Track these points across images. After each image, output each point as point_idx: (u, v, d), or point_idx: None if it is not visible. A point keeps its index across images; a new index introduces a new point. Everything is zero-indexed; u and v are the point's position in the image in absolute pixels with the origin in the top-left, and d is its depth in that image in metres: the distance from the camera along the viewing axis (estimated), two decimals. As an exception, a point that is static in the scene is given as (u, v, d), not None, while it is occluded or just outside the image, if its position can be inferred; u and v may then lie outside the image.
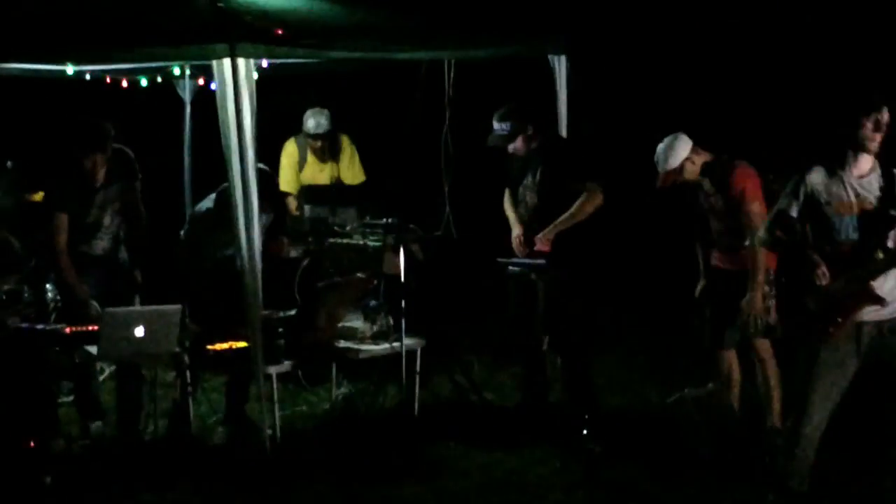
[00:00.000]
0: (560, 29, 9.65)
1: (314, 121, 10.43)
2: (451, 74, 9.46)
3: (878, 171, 6.64)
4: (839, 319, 6.57)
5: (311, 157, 10.63)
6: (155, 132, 11.29)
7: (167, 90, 11.20)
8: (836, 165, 6.65)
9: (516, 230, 8.84)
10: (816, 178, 6.67)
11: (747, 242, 7.90)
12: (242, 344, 8.06)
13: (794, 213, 6.69)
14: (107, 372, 9.32)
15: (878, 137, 6.55)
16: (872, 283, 6.56)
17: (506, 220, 8.97)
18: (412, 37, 8.95)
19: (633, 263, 12.64)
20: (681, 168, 8.08)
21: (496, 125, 8.75)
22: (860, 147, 6.58)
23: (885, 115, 6.54)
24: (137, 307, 8.40)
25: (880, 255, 6.57)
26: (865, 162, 6.62)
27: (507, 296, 9.02)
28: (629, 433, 8.40)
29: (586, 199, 8.62)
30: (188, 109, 11.28)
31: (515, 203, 8.90)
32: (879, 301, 6.56)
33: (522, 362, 9.17)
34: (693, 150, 8.10)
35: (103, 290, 8.34)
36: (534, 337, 8.89)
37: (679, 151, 8.08)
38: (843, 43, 13.10)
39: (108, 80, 10.51)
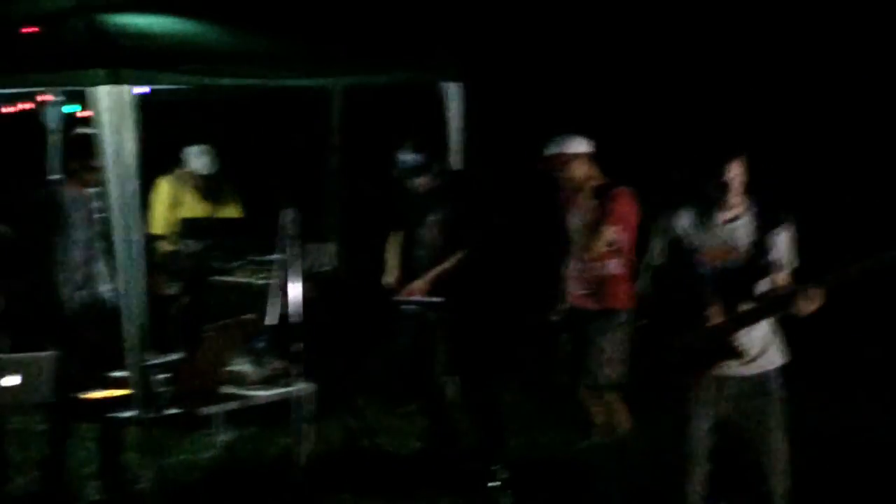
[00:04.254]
0: (452, 55, 9.24)
1: (202, 161, 9.81)
2: (338, 102, 9.06)
3: (748, 216, 6.24)
4: (698, 373, 6.20)
5: (190, 196, 9.98)
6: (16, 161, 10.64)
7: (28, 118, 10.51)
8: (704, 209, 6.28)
9: (391, 277, 8.42)
10: (684, 221, 6.30)
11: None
12: (121, 392, 7.50)
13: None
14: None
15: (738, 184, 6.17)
16: (736, 335, 6.15)
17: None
18: (298, 63, 8.45)
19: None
20: (571, 157, 7.72)
21: (406, 157, 8.27)
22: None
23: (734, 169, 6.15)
24: (11, 354, 7.80)
25: (744, 307, 6.17)
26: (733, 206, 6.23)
27: (396, 335, 8.56)
28: (539, 481, 7.94)
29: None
30: (55, 137, 10.60)
31: (413, 243, 8.42)
32: (740, 355, 6.17)
33: (422, 409, 8.69)
34: (588, 158, 7.75)
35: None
36: (433, 381, 8.44)
37: (577, 144, 7.73)
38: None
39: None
